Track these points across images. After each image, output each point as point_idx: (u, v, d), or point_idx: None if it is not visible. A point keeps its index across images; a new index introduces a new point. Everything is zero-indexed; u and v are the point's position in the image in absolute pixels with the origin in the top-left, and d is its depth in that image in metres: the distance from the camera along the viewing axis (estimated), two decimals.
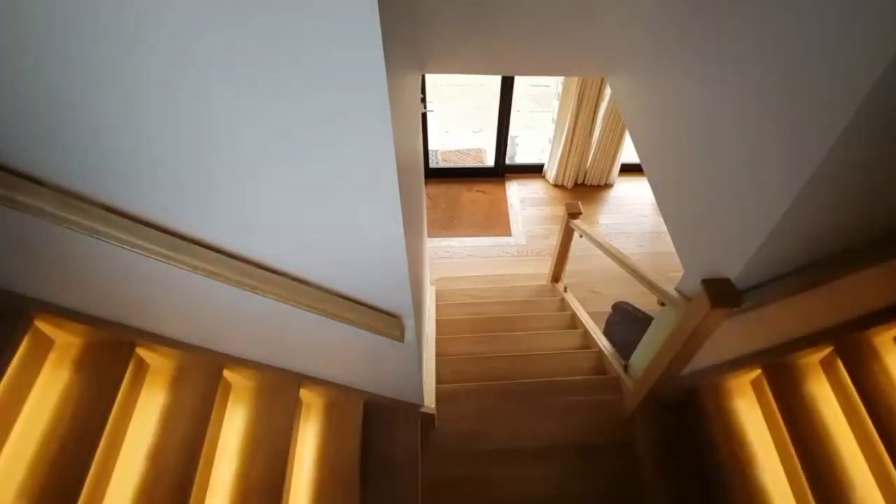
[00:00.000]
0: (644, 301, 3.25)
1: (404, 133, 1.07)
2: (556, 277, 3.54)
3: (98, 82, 0.69)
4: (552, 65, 1.99)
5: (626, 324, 3.19)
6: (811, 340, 1.80)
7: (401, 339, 1.35)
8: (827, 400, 1.81)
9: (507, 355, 2.79)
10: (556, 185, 4.58)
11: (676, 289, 1.69)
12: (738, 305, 1.35)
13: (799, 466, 1.72)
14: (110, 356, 1.29)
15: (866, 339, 1.75)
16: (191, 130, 0.78)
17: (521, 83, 5.13)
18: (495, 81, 4.22)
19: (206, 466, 1.42)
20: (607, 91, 3.86)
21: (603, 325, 3.12)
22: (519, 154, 5.31)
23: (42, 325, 1.20)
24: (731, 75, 1.22)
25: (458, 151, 5.34)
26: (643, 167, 1.80)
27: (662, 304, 1.85)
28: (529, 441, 2.26)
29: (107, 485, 1.24)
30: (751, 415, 2.00)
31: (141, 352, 1.37)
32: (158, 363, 1.46)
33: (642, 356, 2.10)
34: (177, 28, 0.63)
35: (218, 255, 1.01)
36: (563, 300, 3.42)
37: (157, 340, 1.36)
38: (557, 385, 2.44)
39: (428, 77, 4.04)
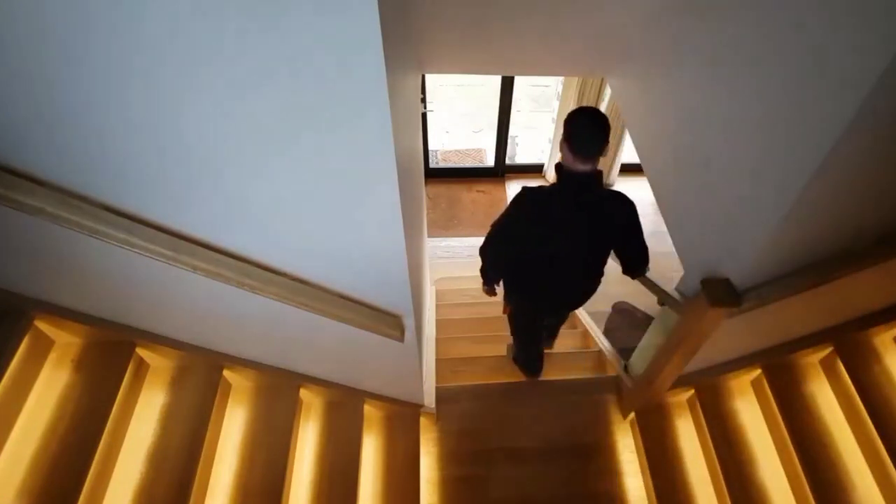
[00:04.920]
0: (644, 301, 3.25)
1: (404, 133, 1.07)
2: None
3: (104, 85, 0.69)
4: (552, 65, 1.99)
5: (626, 324, 3.19)
6: (811, 340, 1.80)
7: (401, 338, 1.35)
8: (827, 400, 1.81)
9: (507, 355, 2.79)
10: None
11: (676, 289, 1.69)
12: (737, 306, 1.35)
13: (799, 466, 1.72)
14: (110, 356, 1.30)
15: (866, 339, 1.75)
16: (193, 133, 0.78)
17: (521, 83, 5.13)
18: (495, 81, 4.22)
19: (206, 466, 1.42)
20: (607, 91, 3.85)
21: (603, 325, 3.12)
22: (519, 154, 5.31)
23: (42, 325, 1.20)
24: (731, 75, 1.22)
25: (458, 151, 5.34)
26: (643, 167, 1.80)
27: (662, 304, 1.85)
28: (529, 441, 2.26)
29: (107, 485, 1.24)
30: (751, 415, 2.00)
31: (141, 352, 1.37)
32: (158, 363, 1.45)
33: (642, 356, 2.10)
34: (180, 30, 0.63)
35: (218, 255, 1.01)
36: None
37: (157, 340, 1.36)
38: (557, 385, 2.44)
39: (428, 77, 4.04)
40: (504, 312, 2.06)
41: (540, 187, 1.59)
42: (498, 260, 1.78)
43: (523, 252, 1.67)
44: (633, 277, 1.85)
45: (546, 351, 2.78)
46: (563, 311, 2.06)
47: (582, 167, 1.46)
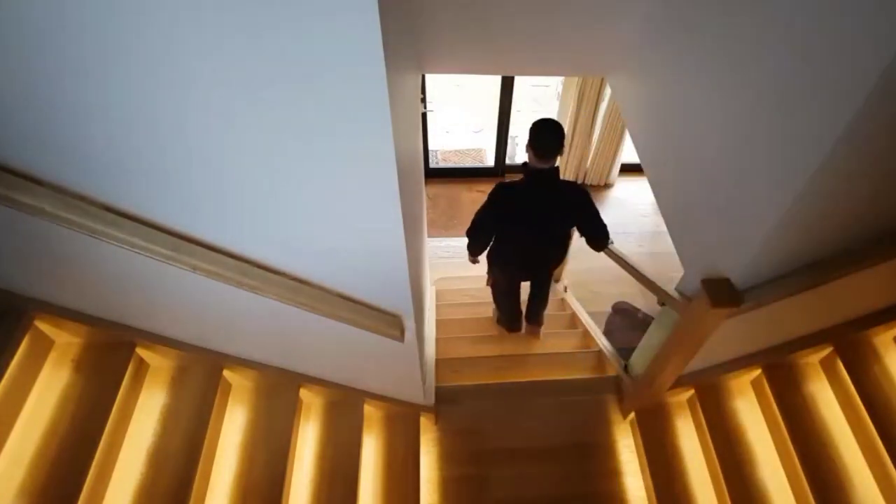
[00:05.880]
0: (644, 301, 3.25)
1: (404, 133, 1.07)
2: (556, 277, 3.54)
3: (104, 84, 0.69)
4: (552, 65, 1.99)
5: (625, 324, 3.19)
6: (811, 340, 1.80)
7: (401, 338, 1.35)
8: (827, 400, 1.81)
9: (507, 355, 2.79)
10: None
11: (676, 289, 1.69)
12: (737, 305, 1.35)
13: (799, 466, 1.72)
14: (110, 356, 1.29)
15: (866, 339, 1.75)
16: (193, 133, 0.78)
17: (521, 83, 5.12)
18: (495, 81, 4.22)
19: (206, 466, 1.42)
20: (607, 91, 3.85)
21: (603, 325, 3.12)
22: (519, 154, 5.31)
23: (42, 325, 1.20)
24: (732, 74, 1.22)
25: (458, 151, 5.34)
26: (643, 167, 1.80)
27: (662, 304, 1.85)
28: (529, 441, 2.26)
29: (107, 485, 1.24)
30: (751, 415, 2.00)
31: (141, 352, 1.37)
32: (158, 363, 1.46)
33: (642, 356, 2.10)
34: (181, 31, 0.63)
35: (217, 255, 1.01)
36: (563, 300, 3.42)
37: (157, 340, 1.36)
38: (557, 385, 2.44)
39: (428, 77, 4.04)
40: (487, 284, 2.73)
41: (511, 182, 2.01)
42: (480, 240, 2.22)
43: (501, 233, 2.15)
44: (597, 250, 2.20)
45: (544, 352, 2.80)
46: (538, 277, 2.55)
47: (543, 165, 1.87)
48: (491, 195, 2.01)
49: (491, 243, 2.24)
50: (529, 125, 1.87)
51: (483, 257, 2.39)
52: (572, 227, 2.14)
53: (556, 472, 2.18)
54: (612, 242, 2.20)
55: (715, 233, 1.41)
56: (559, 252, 2.29)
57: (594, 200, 2.05)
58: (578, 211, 2.02)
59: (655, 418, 2.18)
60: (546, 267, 2.41)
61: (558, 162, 1.90)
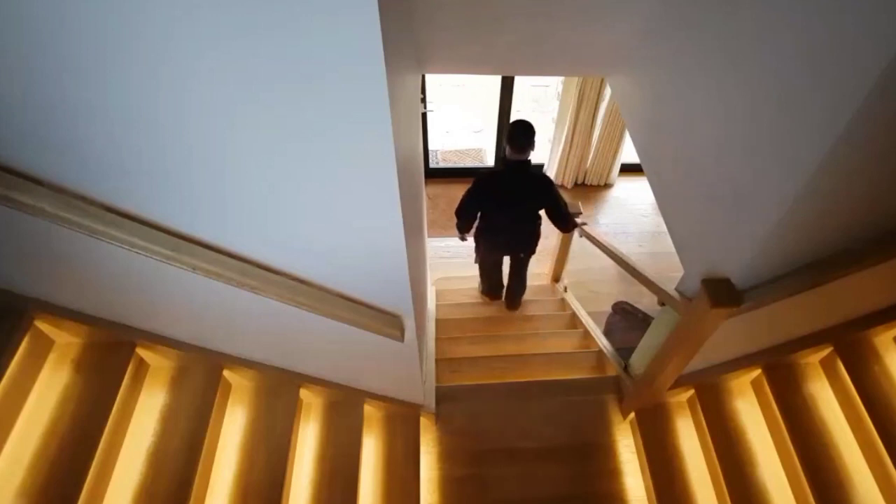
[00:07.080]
0: (644, 301, 3.25)
1: (404, 133, 1.07)
2: (556, 277, 3.54)
3: (103, 84, 0.69)
4: (552, 65, 1.99)
5: (625, 324, 3.19)
6: (811, 340, 1.80)
7: (401, 338, 1.35)
8: (827, 400, 1.81)
9: (507, 355, 2.79)
10: None
11: (676, 289, 1.69)
12: (738, 305, 1.35)
13: (799, 466, 1.72)
14: (110, 356, 1.30)
15: (866, 339, 1.75)
16: (193, 133, 0.78)
17: (521, 83, 5.12)
18: (495, 81, 4.22)
19: (206, 466, 1.42)
20: (607, 91, 3.85)
21: (603, 325, 3.12)
22: None
23: (42, 325, 1.20)
24: (731, 74, 1.22)
25: (458, 151, 5.34)
26: (643, 167, 1.80)
27: (662, 304, 1.85)
28: (529, 441, 2.26)
29: (107, 485, 1.24)
30: (751, 415, 2.00)
31: (141, 352, 1.37)
32: (158, 363, 1.46)
33: (642, 356, 2.10)
34: (180, 31, 0.63)
35: (218, 255, 1.01)
36: (563, 300, 3.42)
37: (157, 340, 1.36)
38: (557, 385, 2.44)
39: (428, 77, 4.04)
40: (475, 262, 3.19)
41: (492, 171, 2.50)
42: (466, 219, 2.65)
43: (486, 211, 2.59)
44: (562, 230, 2.87)
45: (544, 352, 2.81)
46: (518, 252, 2.93)
47: (518, 157, 2.31)
48: (475, 182, 2.48)
49: (477, 223, 2.68)
50: (508, 124, 2.28)
51: (471, 239, 2.85)
52: (541, 207, 2.60)
53: (555, 472, 2.18)
54: (579, 225, 2.69)
55: (715, 233, 1.41)
56: (533, 229, 2.70)
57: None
58: (544, 194, 2.51)
59: (655, 418, 2.18)
60: (523, 245, 2.80)
61: (531, 155, 2.36)
